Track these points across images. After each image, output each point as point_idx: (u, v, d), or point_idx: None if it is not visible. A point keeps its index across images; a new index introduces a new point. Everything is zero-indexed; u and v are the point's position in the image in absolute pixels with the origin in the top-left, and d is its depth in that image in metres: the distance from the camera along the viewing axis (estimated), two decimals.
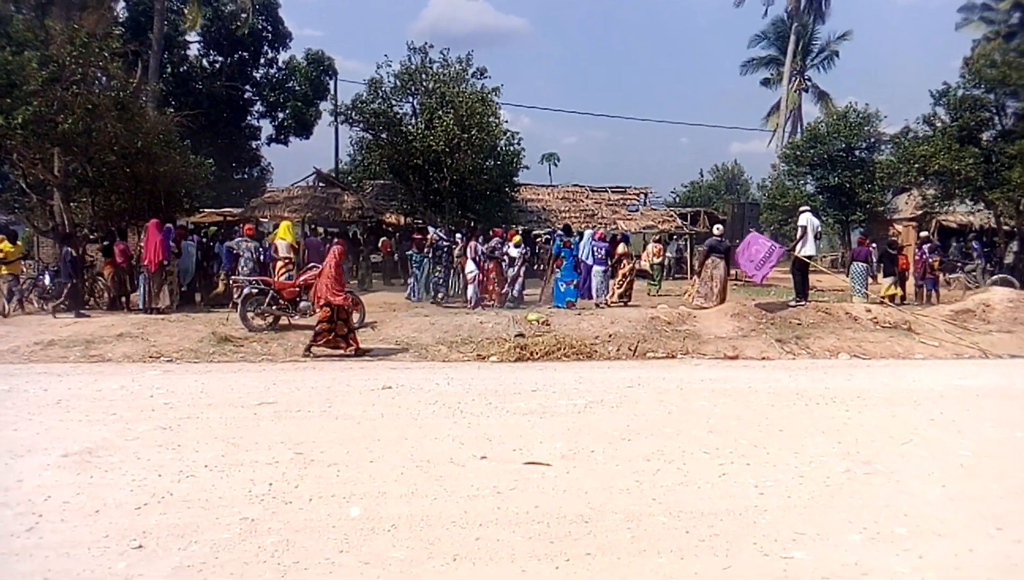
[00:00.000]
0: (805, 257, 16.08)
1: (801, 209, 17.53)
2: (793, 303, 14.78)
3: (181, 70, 30.98)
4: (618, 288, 17.13)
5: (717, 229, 16.93)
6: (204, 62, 33.00)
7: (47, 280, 15.00)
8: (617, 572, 4.17)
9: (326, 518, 4.81)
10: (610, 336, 12.32)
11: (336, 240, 15.42)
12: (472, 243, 16.95)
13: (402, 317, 14.15)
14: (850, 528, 4.81)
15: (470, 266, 16.41)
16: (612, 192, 31.40)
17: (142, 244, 15.16)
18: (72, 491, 5.19)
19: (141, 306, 14.83)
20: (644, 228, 28.53)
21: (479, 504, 5.09)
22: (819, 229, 17.78)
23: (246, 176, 35.18)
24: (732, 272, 22.20)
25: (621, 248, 17.87)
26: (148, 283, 14.72)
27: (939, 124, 21.15)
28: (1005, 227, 21.69)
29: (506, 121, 24.62)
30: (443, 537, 4.56)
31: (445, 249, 17.62)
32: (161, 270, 14.79)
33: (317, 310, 11.28)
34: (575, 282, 16.22)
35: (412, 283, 18.14)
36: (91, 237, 16.95)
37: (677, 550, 4.45)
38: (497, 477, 5.60)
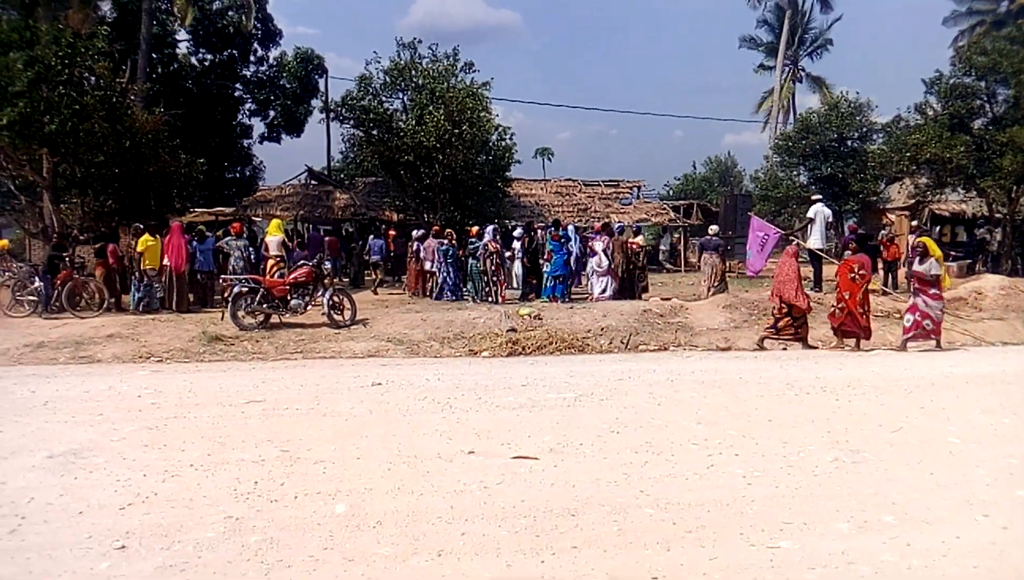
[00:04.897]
0: (814, 249, 16.17)
1: (813, 198, 17.60)
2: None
3: (170, 69, 30.75)
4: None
5: (712, 229, 17.82)
6: (193, 60, 32.79)
7: (37, 282, 14.93)
8: (603, 565, 4.15)
9: (311, 515, 4.78)
10: (602, 329, 12.31)
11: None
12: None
13: (394, 314, 14.10)
14: (837, 517, 4.80)
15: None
16: (605, 186, 31.39)
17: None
18: (56, 492, 5.16)
19: (155, 307, 14.86)
20: (637, 221, 28.52)
21: (466, 499, 5.06)
22: (830, 219, 17.91)
23: (238, 175, 34.92)
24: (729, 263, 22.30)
25: (641, 239, 18.36)
26: (176, 285, 14.94)
27: (931, 112, 21.18)
28: (997, 215, 21.73)
29: (497, 116, 24.55)
30: (428, 532, 4.54)
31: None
32: (186, 272, 15.08)
33: (773, 308, 11.72)
34: (561, 277, 16.20)
35: (446, 281, 16.99)
36: (81, 238, 16.87)
37: (663, 542, 4.43)
38: (484, 472, 5.57)
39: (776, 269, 12.16)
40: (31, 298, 14.49)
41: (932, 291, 11.46)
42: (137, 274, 14.90)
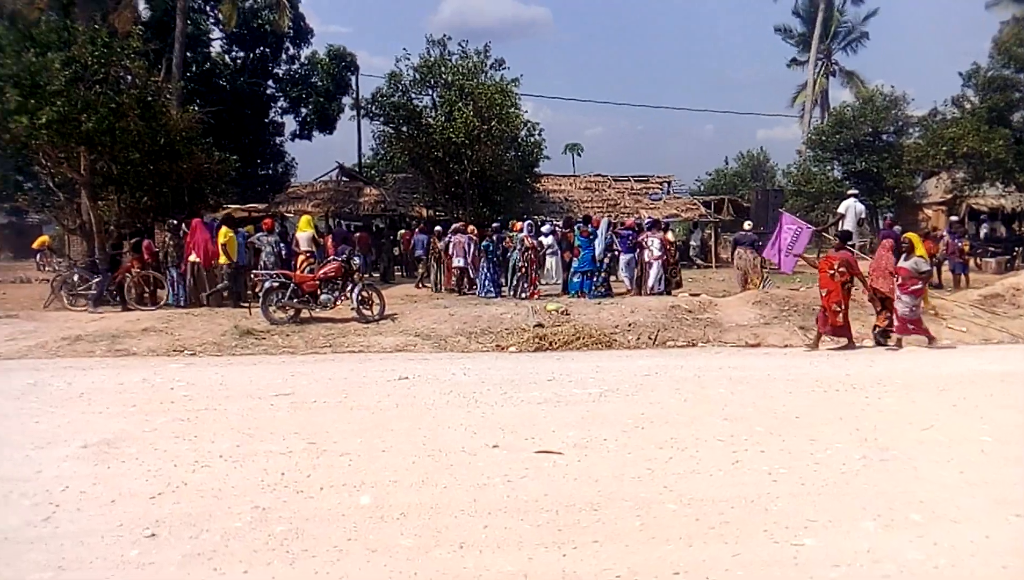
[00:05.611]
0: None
1: (849, 193, 17.37)
2: None
3: (204, 68, 31.23)
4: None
5: (747, 225, 18.15)
6: (226, 58, 33.26)
7: (76, 277, 15.33)
8: (624, 560, 4.15)
9: (336, 507, 4.85)
10: (630, 325, 12.25)
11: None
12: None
13: (422, 308, 14.18)
14: (864, 515, 4.73)
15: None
16: (635, 181, 31.22)
17: (183, 242, 15.51)
18: (89, 482, 5.29)
19: (182, 303, 15.13)
20: (667, 217, 28.33)
21: (489, 492, 5.09)
22: (863, 215, 17.65)
23: (270, 171, 35.41)
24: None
25: (671, 236, 18.41)
26: (204, 279, 15.30)
27: (968, 106, 20.78)
28: None
29: (526, 112, 24.56)
30: (451, 525, 4.57)
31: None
32: (213, 266, 15.42)
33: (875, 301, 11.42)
34: (588, 273, 16.15)
35: (486, 276, 16.99)
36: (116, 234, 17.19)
37: (686, 537, 4.42)
38: (508, 466, 5.60)
39: (872, 263, 11.91)
40: (89, 292, 14.91)
41: (911, 287, 10.99)
42: (224, 267, 15.37)
